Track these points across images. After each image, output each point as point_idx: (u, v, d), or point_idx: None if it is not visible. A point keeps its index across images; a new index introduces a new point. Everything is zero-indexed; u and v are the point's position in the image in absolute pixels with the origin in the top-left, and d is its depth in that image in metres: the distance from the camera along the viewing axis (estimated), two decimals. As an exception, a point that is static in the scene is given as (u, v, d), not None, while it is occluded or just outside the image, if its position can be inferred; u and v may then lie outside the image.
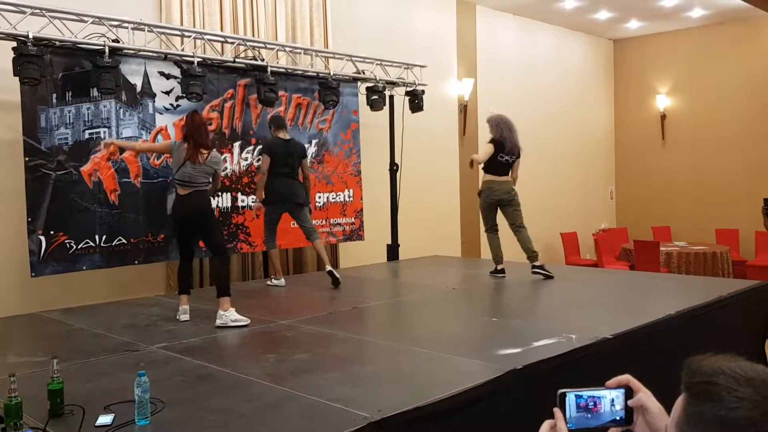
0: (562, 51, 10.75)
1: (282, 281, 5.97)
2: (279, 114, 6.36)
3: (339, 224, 7.15)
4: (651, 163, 11.35)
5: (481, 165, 6.10)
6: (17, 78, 4.74)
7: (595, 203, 11.37)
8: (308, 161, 6.38)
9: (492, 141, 6.04)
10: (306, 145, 6.80)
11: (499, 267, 6.07)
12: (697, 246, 9.25)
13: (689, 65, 10.92)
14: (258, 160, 6.42)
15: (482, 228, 6.36)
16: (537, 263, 5.96)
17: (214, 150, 4.93)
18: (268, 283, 6.03)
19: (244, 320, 4.37)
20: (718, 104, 10.59)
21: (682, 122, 11.02)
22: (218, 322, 4.36)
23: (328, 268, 5.84)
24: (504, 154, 5.98)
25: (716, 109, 10.61)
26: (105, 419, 2.63)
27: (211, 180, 4.74)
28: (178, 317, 4.58)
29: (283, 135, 5.94)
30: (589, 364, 3.54)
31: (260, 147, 6.30)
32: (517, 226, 6.05)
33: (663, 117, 11.19)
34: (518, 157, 6.06)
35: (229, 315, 4.36)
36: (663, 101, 11.19)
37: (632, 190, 11.65)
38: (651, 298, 5.38)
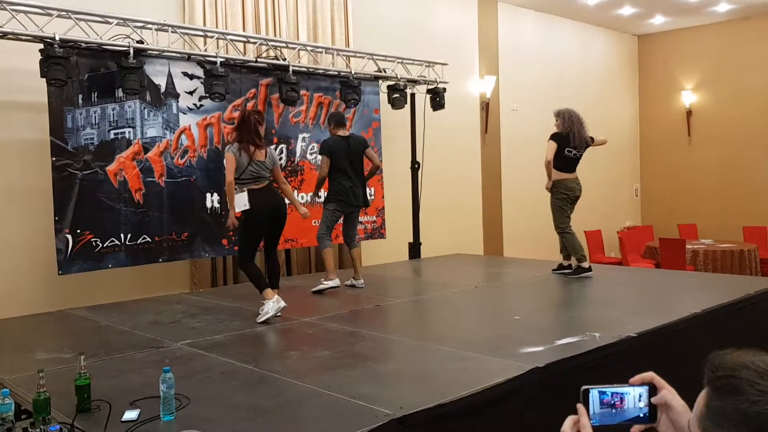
0: (585, 47, 10.65)
1: (336, 281, 5.56)
2: (338, 111, 6.26)
3: (360, 222, 7.15)
4: (677, 160, 11.19)
5: (551, 163, 5.91)
6: (44, 79, 4.83)
7: (619, 201, 11.25)
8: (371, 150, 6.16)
9: (554, 137, 5.88)
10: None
11: (586, 264, 5.94)
12: (724, 244, 9.10)
13: (715, 61, 10.74)
14: (280, 159, 6.45)
15: (506, 225, 6.31)
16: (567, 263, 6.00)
17: (270, 147, 4.99)
18: (318, 288, 5.52)
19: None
20: (744, 100, 10.40)
21: (708, 118, 10.85)
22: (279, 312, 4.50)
23: (359, 282, 5.77)
24: (571, 148, 5.84)
25: (743, 105, 10.42)
26: (131, 414, 2.67)
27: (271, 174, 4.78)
28: (279, 306, 4.44)
29: (343, 132, 5.76)
30: (613, 362, 3.51)
31: (318, 148, 6.12)
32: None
33: (689, 113, 11.02)
34: (585, 149, 5.99)
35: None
36: (689, 97, 11.03)
37: (658, 188, 11.50)
38: (676, 297, 5.31)
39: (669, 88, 11.27)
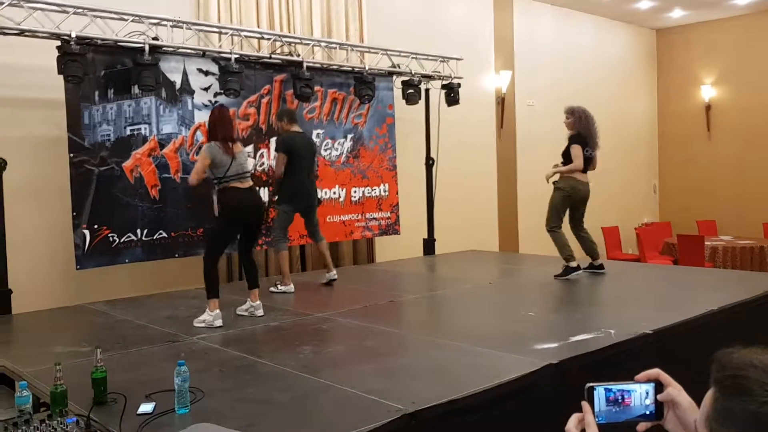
0: (602, 41, 10.55)
1: (291, 287, 5.42)
2: (288, 107, 6.08)
3: (375, 219, 7.17)
4: (696, 155, 11.07)
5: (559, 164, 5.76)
6: (61, 76, 4.88)
7: (637, 197, 11.14)
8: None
9: (575, 139, 5.72)
10: (341, 140, 6.84)
11: (574, 264, 5.71)
12: (743, 240, 8.99)
13: (735, 54, 10.60)
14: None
15: (521, 221, 6.19)
16: (600, 262, 5.88)
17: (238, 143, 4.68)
18: (272, 289, 5.38)
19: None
20: (765, 94, 10.25)
21: (727, 113, 10.71)
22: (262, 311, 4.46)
23: (332, 274, 5.65)
24: (588, 148, 5.73)
25: (763, 99, 10.27)
26: (146, 407, 2.70)
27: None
28: (213, 323, 4.23)
29: (297, 128, 5.51)
30: (628, 359, 3.48)
31: (273, 143, 5.97)
32: (581, 228, 5.89)
33: (708, 108, 10.89)
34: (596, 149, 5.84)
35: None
36: (708, 92, 10.89)
37: (676, 183, 11.38)
38: (694, 294, 5.25)
39: (688, 82, 11.14)
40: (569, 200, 5.76)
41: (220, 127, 4.43)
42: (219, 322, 4.24)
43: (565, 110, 5.90)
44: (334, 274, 5.69)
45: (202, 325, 4.24)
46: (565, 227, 5.91)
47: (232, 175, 4.40)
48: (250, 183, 4.59)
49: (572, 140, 5.75)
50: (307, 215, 5.68)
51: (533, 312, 4.62)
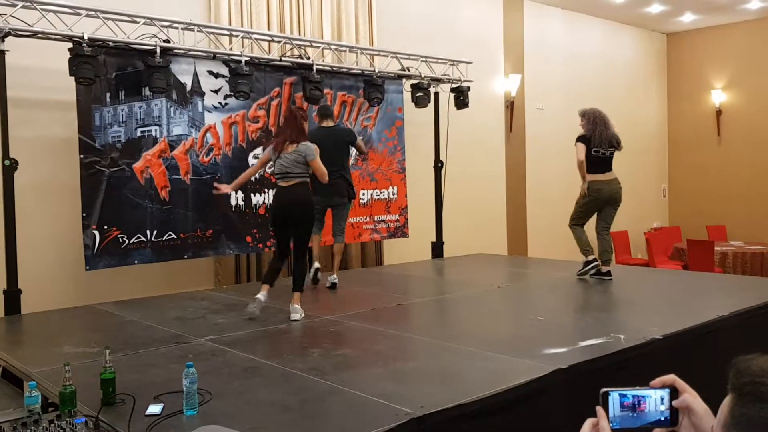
0: (612, 46, 10.51)
1: (316, 264, 5.68)
2: (326, 103, 6.21)
3: (383, 221, 7.17)
4: (705, 160, 11.01)
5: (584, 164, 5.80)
6: (73, 78, 4.91)
7: (647, 201, 11.08)
8: (361, 140, 6.13)
9: (579, 139, 5.81)
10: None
11: (590, 257, 5.80)
12: (753, 246, 8.93)
13: (746, 59, 10.53)
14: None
15: (530, 225, 6.18)
16: (607, 269, 5.82)
17: (307, 142, 4.72)
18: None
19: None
20: (777, 99, 10.19)
21: (738, 118, 10.65)
22: (297, 316, 4.46)
23: (333, 278, 5.69)
24: (597, 147, 5.74)
25: (775, 104, 10.22)
26: (154, 409, 2.70)
27: (308, 170, 4.65)
28: (259, 298, 4.47)
29: (327, 123, 5.67)
30: (638, 365, 3.46)
31: None
32: (605, 228, 5.89)
33: (718, 113, 10.83)
34: (616, 148, 5.83)
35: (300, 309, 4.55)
36: (718, 97, 10.83)
37: (686, 188, 11.32)
38: (704, 299, 5.21)
39: (698, 87, 11.08)
40: (594, 203, 5.81)
41: (285, 128, 4.78)
42: (262, 297, 4.50)
43: (579, 113, 5.96)
44: (335, 277, 5.70)
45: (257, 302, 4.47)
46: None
47: (276, 173, 4.67)
48: (294, 181, 4.60)
49: (576, 140, 5.84)
50: (334, 211, 5.77)
51: (542, 316, 4.59)
